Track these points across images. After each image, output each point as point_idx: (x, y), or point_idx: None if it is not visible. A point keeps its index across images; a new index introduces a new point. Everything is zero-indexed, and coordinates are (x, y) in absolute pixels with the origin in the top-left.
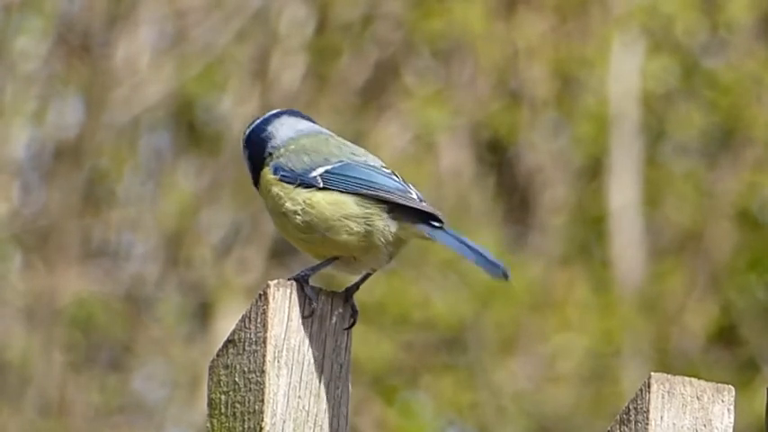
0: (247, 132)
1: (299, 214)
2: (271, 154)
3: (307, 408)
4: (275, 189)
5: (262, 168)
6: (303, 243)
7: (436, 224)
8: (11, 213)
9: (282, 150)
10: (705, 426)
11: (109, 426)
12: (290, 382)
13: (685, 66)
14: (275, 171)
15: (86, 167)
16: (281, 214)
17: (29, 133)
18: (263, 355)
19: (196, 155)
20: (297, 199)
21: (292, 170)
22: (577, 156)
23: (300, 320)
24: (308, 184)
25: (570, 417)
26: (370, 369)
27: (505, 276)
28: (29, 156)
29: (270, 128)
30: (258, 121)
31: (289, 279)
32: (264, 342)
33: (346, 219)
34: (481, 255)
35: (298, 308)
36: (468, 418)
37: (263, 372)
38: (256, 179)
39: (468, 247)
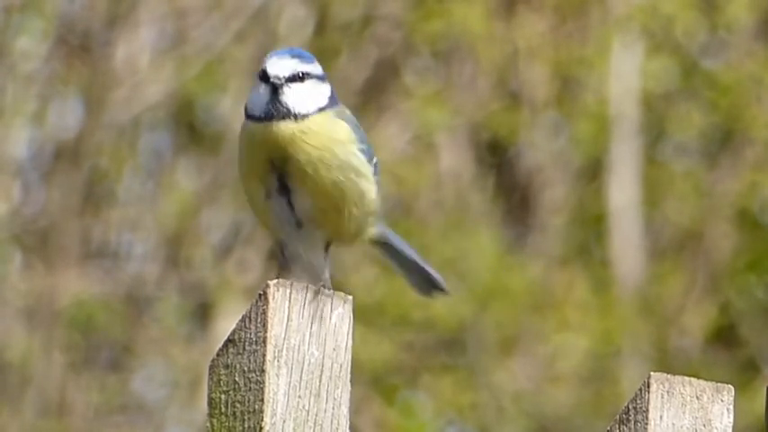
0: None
1: (371, 193)
2: (327, 105)
3: (307, 407)
4: (353, 152)
5: (314, 109)
6: (347, 215)
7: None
8: (11, 213)
9: (339, 109)
10: (705, 425)
11: (109, 426)
12: (289, 382)
13: (685, 66)
14: (354, 133)
15: (86, 167)
16: (348, 177)
17: (29, 133)
18: (263, 355)
19: (196, 155)
20: (370, 178)
21: (369, 149)
22: (577, 156)
23: (300, 320)
24: (375, 171)
25: (570, 417)
26: (370, 369)
27: (439, 290)
28: (29, 156)
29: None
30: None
31: (310, 288)
32: (264, 342)
33: (375, 213)
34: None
35: (297, 307)
36: (468, 419)
37: (263, 371)
38: (284, 110)
39: (410, 255)
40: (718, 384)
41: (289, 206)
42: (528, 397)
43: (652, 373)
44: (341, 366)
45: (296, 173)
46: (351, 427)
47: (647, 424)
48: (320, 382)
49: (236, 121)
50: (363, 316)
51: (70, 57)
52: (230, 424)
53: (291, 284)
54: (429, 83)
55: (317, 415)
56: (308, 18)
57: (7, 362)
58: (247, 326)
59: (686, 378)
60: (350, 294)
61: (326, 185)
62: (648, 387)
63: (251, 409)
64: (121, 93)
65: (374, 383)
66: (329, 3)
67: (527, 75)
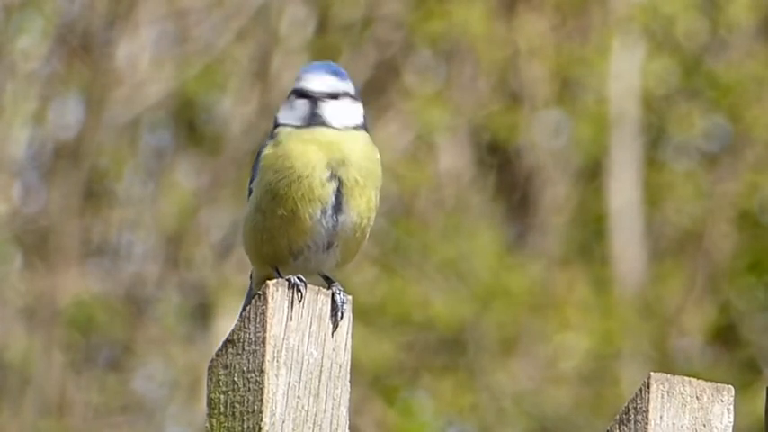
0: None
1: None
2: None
3: (306, 407)
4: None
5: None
6: (365, 237)
7: None
8: (11, 213)
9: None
10: (705, 425)
11: (109, 426)
12: (289, 382)
13: (686, 66)
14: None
15: (86, 167)
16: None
17: (29, 133)
18: (263, 355)
19: (196, 154)
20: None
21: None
22: (577, 156)
23: (300, 320)
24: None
25: (570, 417)
26: (370, 369)
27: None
28: (29, 156)
29: None
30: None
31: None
32: (264, 342)
33: None
34: None
35: (297, 307)
36: (468, 419)
37: (262, 371)
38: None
39: None
40: (719, 384)
41: (333, 227)
42: (528, 397)
43: (652, 373)
44: (340, 366)
45: (349, 182)
46: (351, 428)
47: (647, 424)
48: (319, 382)
49: (236, 121)
50: (363, 316)
51: (70, 56)
52: (229, 424)
53: (285, 283)
54: (429, 83)
55: (316, 415)
56: (308, 18)
57: (7, 362)
58: (246, 326)
59: (686, 378)
60: (350, 294)
61: (367, 201)
62: (648, 387)
63: (250, 410)
64: (122, 92)
65: (374, 384)
66: (330, 3)
67: (527, 75)
